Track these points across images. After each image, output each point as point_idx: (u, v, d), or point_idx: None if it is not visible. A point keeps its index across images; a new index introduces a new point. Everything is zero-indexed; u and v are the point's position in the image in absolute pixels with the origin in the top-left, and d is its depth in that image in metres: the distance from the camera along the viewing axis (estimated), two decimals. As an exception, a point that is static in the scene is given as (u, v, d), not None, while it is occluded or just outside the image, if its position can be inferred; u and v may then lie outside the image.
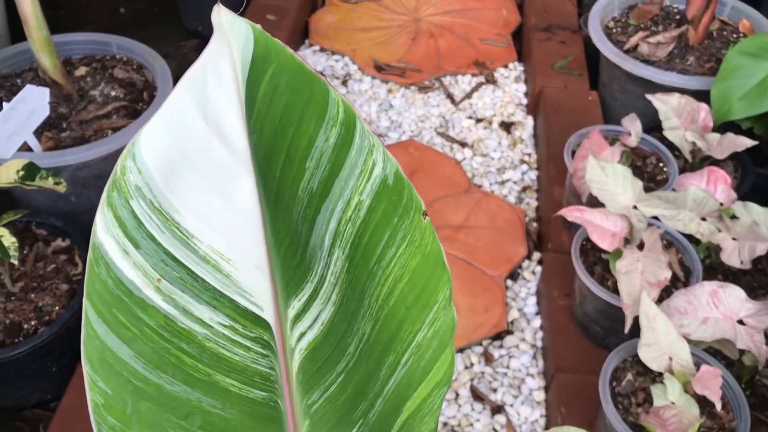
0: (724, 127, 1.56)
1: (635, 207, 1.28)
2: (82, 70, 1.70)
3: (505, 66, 2.15)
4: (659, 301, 1.19)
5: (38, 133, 1.50)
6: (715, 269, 1.36)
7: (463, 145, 1.90)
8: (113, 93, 1.64)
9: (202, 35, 2.26)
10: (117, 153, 1.46)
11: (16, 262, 1.15)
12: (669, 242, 1.34)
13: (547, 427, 1.35)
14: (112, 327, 0.44)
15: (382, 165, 0.48)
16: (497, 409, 1.37)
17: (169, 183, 0.44)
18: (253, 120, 0.44)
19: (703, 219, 1.30)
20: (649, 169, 1.52)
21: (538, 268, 1.61)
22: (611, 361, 1.16)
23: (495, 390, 1.40)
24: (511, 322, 1.51)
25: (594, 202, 1.33)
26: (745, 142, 1.44)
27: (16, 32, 1.78)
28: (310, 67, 0.45)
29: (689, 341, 1.11)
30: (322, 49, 2.20)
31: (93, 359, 0.44)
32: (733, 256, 1.25)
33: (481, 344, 1.47)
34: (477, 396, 1.39)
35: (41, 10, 1.47)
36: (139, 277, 0.45)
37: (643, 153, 1.55)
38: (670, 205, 1.29)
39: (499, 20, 2.30)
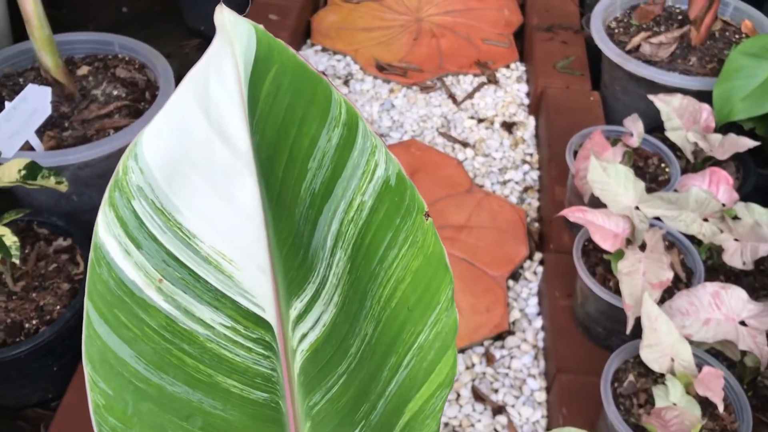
0: (726, 127, 1.55)
1: (637, 208, 1.28)
2: (84, 70, 1.70)
3: (507, 66, 2.15)
4: (661, 302, 1.19)
5: (40, 132, 1.50)
6: (717, 270, 1.36)
7: (464, 145, 1.90)
8: (115, 92, 1.64)
9: (204, 35, 2.26)
10: (119, 152, 1.46)
11: (17, 262, 1.15)
12: (671, 243, 1.34)
13: (548, 428, 1.35)
14: (113, 327, 0.44)
15: (384, 166, 0.48)
16: (498, 409, 1.37)
17: (171, 183, 0.44)
18: (255, 120, 0.44)
19: (705, 220, 1.29)
20: (651, 170, 1.52)
21: (540, 269, 1.61)
22: (613, 362, 1.16)
23: (496, 390, 1.40)
24: (513, 323, 1.51)
25: (596, 203, 1.33)
26: (747, 143, 1.44)
27: (18, 31, 1.78)
28: (313, 67, 0.44)
29: (691, 342, 1.11)
30: (324, 49, 2.20)
31: (94, 360, 0.44)
32: (735, 257, 1.25)
33: (482, 344, 1.47)
34: (478, 396, 1.39)
35: (43, 9, 1.47)
36: (141, 278, 0.44)
37: (645, 153, 1.55)
38: (672, 205, 1.28)
39: (501, 20, 2.30)
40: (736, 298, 1.15)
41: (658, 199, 1.29)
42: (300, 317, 0.49)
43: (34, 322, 1.26)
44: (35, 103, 1.40)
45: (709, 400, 1.06)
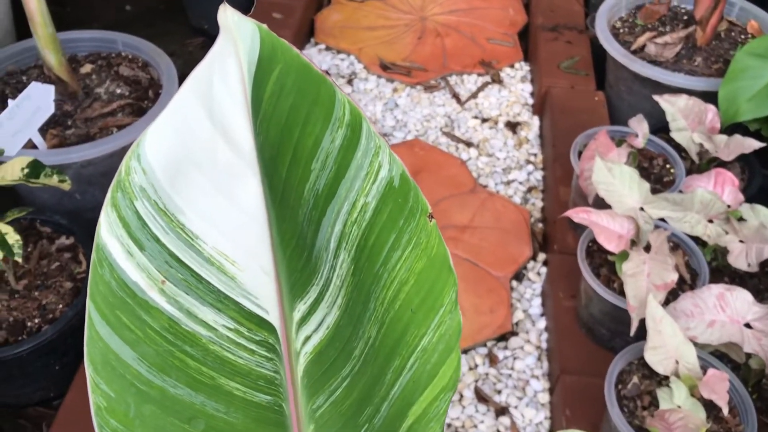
0: (731, 128, 1.55)
1: (642, 209, 1.27)
2: (87, 68, 1.69)
3: (512, 66, 2.14)
4: (665, 303, 1.18)
5: (43, 130, 1.50)
6: (722, 272, 1.36)
7: (468, 144, 1.89)
8: (118, 91, 1.64)
9: (208, 33, 2.26)
10: (122, 151, 1.46)
11: (20, 260, 1.15)
12: (675, 244, 1.33)
13: (551, 430, 1.34)
14: (115, 329, 0.44)
15: (388, 167, 0.47)
16: (501, 410, 1.37)
17: (174, 184, 0.43)
18: (259, 120, 0.44)
19: (710, 221, 1.29)
20: (656, 171, 1.52)
21: (544, 269, 1.60)
22: (617, 363, 1.15)
23: (499, 391, 1.40)
24: (516, 324, 1.51)
25: (600, 203, 1.32)
26: (753, 144, 1.44)
27: (22, 29, 1.78)
28: (317, 67, 0.44)
29: (695, 344, 1.10)
30: (327, 48, 2.20)
31: (96, 361, 0.44)
32: (741, 258, 1.24)
33: (485, 345, 1.47)
34: (481, 397, 1.38)
35: (47, 6, 1.47)
36: (143, 279, 0.44)
37: (650, 154, 1.55)
38: (677, 207, 1.28)
39: (506, 20, 2.29)
40: (741, 300, 1.14)
41: (663, 200, 1.28)
42: (303, 319, 0.49)
43: (36, 320, 1.26)
44: (38, 101, 1.40)
45: (713, 402, 1.06)
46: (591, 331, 1.36)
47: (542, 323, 1.50)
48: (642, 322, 1.14)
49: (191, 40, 2.27)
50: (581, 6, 2.23)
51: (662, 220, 1.31)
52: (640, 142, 1.47)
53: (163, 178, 0.43)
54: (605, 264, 1.33)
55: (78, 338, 1.29)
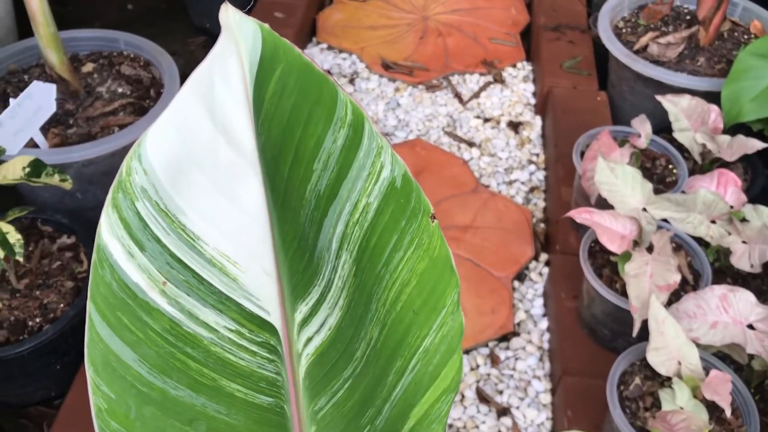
0: (734, 129, 1.54)
1: (645, 209, 1.27)
2: (89, 67, 1.69)
3: (514, 65, 2.14)
4: (668, 304, 1.18)
5: (45, 129, 1.49)
6: (724, 273, 1.35)
7: (470, 144, 1.89)
8: (120, 90, 1.64)
9: (209, 32, 2.26)
10: (123, 150, 1.46)
11: (21, 259, 1.14)
12: (678, 245, 1.33)
13: (553, 430, 1.34)
14: (116, 330, 0.44)
15: (390, 167, 0.47)
16: (503, 411, 1.36)
17: (175, 184, 0.43)
18: (260, 120, 0.43)
19: (713, 222, 1.28)
20: (659, 171, 1.51)
21: (546, 270, 1.60)
22: (619, 364, 1.15)
23: (501, 392, 1.39)
24: (518, 324, 1.50)
25: (603, 204, 1.32)
26: (756, 145, 1.43)
27: (24, 28, 1.78)
28: (319, 67, 0.44)
29: (698, 345, 1.10)
30: (329, 47, 2.19)
31: (96, 363, 0.44)
32: (743, 259, 1.24)
33: (487, 346, 1.47)
34: (483, 398, 1.38)
35: (49, 6, 1.47)
36: (144, 280, 0.44)
37: (653, 154, 1.54)
38: (679, 207, 1.27)
39: (508, 19, 2.29)
40: (744, 302, 1.14)
41: (666, 201, 1.28)
42: (305, 321, 0.49)
43: (37, 320, 1.26)
44: (40, 100, 1.40)
45: (716, 404, 1.06)
46: (593, 332, 1.36)
47: (544, 324, 1.50)
48: (644, 323, 1.14)
49: (193, 39, 2.26)
50: (584, 6, 2.22)
51: (665, 220, 1.31)
52: (642, 143, 1.46)
53: (165, 178, 0.43)
54: (607, 264, 1.33)
55: (79, 338, 1.28)
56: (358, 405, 0.51)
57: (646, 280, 1.19)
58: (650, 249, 1.24)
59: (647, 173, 1.49)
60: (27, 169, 1.17)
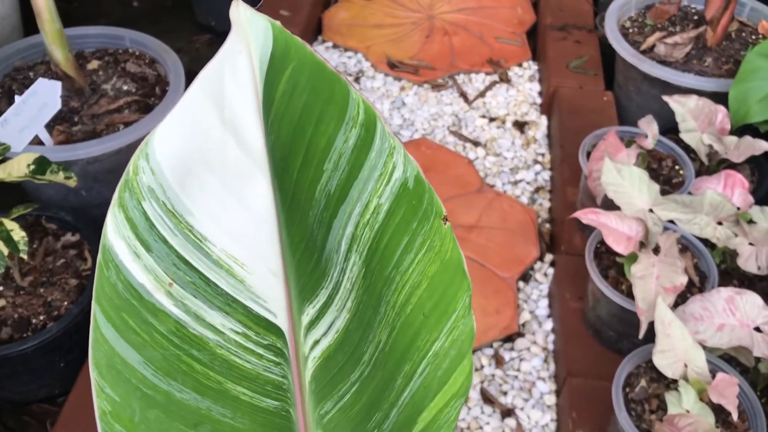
0: (741, 130, 1.53)
1: (651, 210, 1.26)
2: (94, 64, 1.69)
3: (520, 65, 2.13)
4: (674, 306, 1.17)
5: (50, 126, 1.49)
6: (731, 274, 1.34)
7: (475, 144, 1.88)
8: (125, 87, 1.64)
9: (214, 30, 2.25)
10: (128, 147, 1.45)
11: (25, 257, 1.14)
12: (684, 246, 1.32)
13: (557, 432, 1.33)
14: (121, 332, 0.43)
15: (402, 168, 0.46)
16: (507, 412, 1.36)
17: (183, 184, 0.43)
18: (270, 120, 0.43)
19: (720, 223, 1.28)
20: (665, 172, 1.50)
21: (551, 270, 1.59)
22: (625, 366, 1.14)
23: (505, 393, 1.39)
24: (523, 325, 1.50)
25: (608, 204, 1.31)
26: (764, 146, 1.42)
27: (29, 25, 1.78)
28: (331, 66, 0.43)
29: (704, 348, 1.09)
30: (335, 46, 2.19)
31: (101, 365, 0.43)
32: (750, 261, 1.23)
33: (491, 346, 1.46)
34: (487, 399, 1.38)
35: (54, 2, 1.47)
36: (150, 281, 0.43)
37: (659, 155, 1.53)
38: (686, 208, 1.27)
39: (514, 19, 2.28)
40: (750, 304, 1.13)
41: (672, 202, 1.27)
42: (312, 323, 0.48)
43: (41, 317, 1.26)
44: (45, 97, 1.39)
45: (722, 407, 1.05)
46: (598, 333, 1.35)
47: (549, 325, 1.49)
48: (650, 325, 1.13)
49: (198, 37, 2.26)
50: (590, 5, 2.21)
51: (671, 222, 1.30)
52: (649, 143, 1.45)
53: (172, 178, 0.42)
54: (613, 266, 1.32)
55: (83, 335, 1.28)
56: (365, 409, 0.50)
57: (653, 281, 1.18)
58: (656, 250, 1.23)
59: (653, 174, 1.49)
60: (32, 167, 1.16)
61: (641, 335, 1.16)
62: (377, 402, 0.50)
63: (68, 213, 1.40)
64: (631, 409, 1.11)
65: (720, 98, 1.54)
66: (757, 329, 1.12)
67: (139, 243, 0.43)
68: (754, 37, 1.80)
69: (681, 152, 1.51)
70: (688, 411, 1.03)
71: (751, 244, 1.24)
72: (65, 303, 1.28)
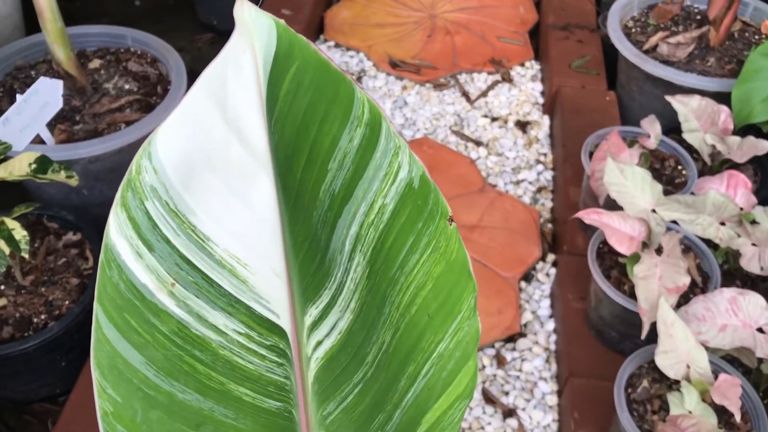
0: (744, 130, 1.53)
1: (654, 210, 1.26)
2: (96, 63, 1.69)
3: (522, 64, 2.13)
4: (676, 306, 1.17)
5: (51, 125, 1.49)
6: (733, 275, 1.34)
7: (477, 143, 1.88)
8: (127, 86, 1.63)
9: (216, 29, 2.25)
10: (130, 146, 1.45)
11: (26, 256, 1.14)
12: (687, 247, 1.32)
13: (559, 433, 1.33)
14: (123, 332, 0.43)
15: (407, 168, 0.46)
16: (509, 412, 1.36)
17: (186, 184, 0.42)
18: (274, 119, 0.42)
19: (722, 224, 1.27)
20: (668, 172, 1.50)
21: (553, 270, 1.59)
22: (627, 367, 1.14)
23: (507, 393, 1.39)
24: (524, 325, 1.49)
25: (611, 205, 1.31)
26: (766, 146, 1.42)
27: (31, 24, 1.78)
28: (335, 64, 0.43)
29: (707, 349, 1.09)
30: (336, 45, 2.19)
31: (103, 365, 0.43)
32: (753, 262, 1.23)
33: (493, 346, 1.46)
34: (488, 399, 1.37)
35: (56, 1, 1.46)
36: (153, 281, 0.43)
37: (662, 155, 1.53)
38: (689, 209, 1.26)
39: (516, 18, 2.27)
40: (753, 305, 1.13)
41: (675, 202, 1.27)
42: (315, 324, 0.48)
43: (42, 316, 1.26)
44: (47, 96, 1.39)
45: (725, 408, 1.04)
46: (600, 334, 1.35)
47: (551, 325, 1.49)
48: (653, 326, 1.13)
49: (200, 36, 2.26)
50: (593, 5, 2.21)
51: (674, 222, 1.30)
52: (652, 143, 1.45)
53: (175, 177, 0.42)
54: (616, 266, 1.32)
55: (84, 335, 1.28)
56: (368, 410, 0.50)
57: (655, 282, 1.18)
58: (659, 251, 1.23)
59: (656, 174, 1.48)
60: (33, 166, 1.16)
61: (643, 336, 1.16)
62: (380, 403, 0.50)
63: (70, 212, 1.40)
64: (633, 410, 1.11)
65: (723, 98, 1.53)
66: (760, 330, 1.11)
67: (142, 243, 0.42)
68: (757, 36, 1.80)
69: (684, 152, 1.50)
70: (690, 412, 1.02)
71: (754, 244, 1.24)
72: (66, 302, 1.28)
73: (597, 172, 1.40)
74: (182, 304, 0.44)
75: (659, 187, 1.27)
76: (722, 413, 1.07)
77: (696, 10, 1.89)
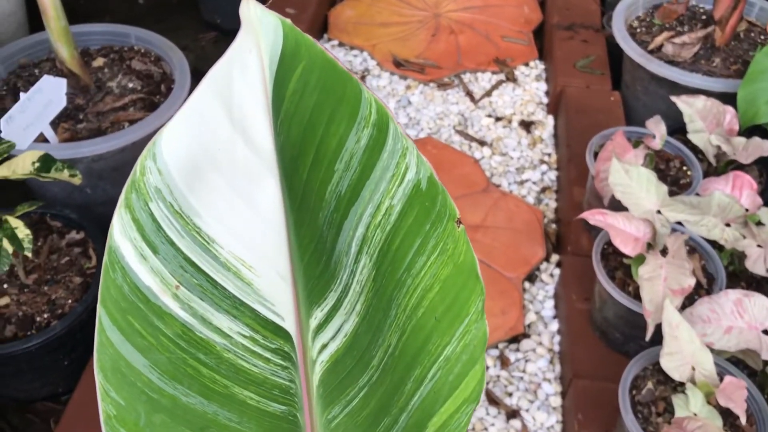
0: (750, 130, 1.52)
1: (659, 211, 1.25)
2: (99, 61, 1.68)
3: (526, 64, 2.12)
4: (681, 308, 1.16)
5: (55, 124, 1.49)
6: (738, 276, 1.34)
7: (481, 143, 1.87)
8: (130, 85, 1.63)
9: (220, 28, 2.25)
10: (133, 145, 1.45)
11: (30, 254, 1.14)
12: (692, 248, 1.31)
13: (563, 434, 1.32)
14: (126, 335, 0.42)
15: (415, 169, 0.46)
16: (512, 413, 1.35)
17: (191, 185, 0.42)
18: (280, 119, 0.42)
19: (728, 225, 1.27)
20: (673, 173, 1.49)
21: (557, 271, 1.58)
22: (632, 368, 1.13)
23: (510, 394, 1.38)
24: (528, 326, 1.49)
25: (616, 205, 1.30)
26: (772, 147, 1.41)
27: (35, 22, 1.77)
28: (342, 64, 0.42)
29: (712, 351, 1.08)
30: (340, 44, 2.18)
31: (106, 368, 0.42)
32: (758, 263, 1.22)
33: (497, 347, 1.45)
34: (492, 400, 1.37)
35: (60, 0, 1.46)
36: (157, 284, 0.43)
37: (667, 156, 1.52)
38: (694, 210, 1.26)
39: (521, 17, 2.27)
40: (759, 306, 1.12)
41: (680, 203, 1.26)
42: (320, 327, 0.47)
43: (45, 315, 1.25)
44: (50, 94, 1.39)
45: (729, 410, 1.04)
46: (604, 335, 1.34)
47: (555, 326, 1.48)
48: (657, 327, 1.13)
49: (204, 35, 2.25)
50: (597, 5, 2.20)
51: (679, 223, 1.29)
52: (657, 144, 1.44)
53: (180, 178, 0.41)
54: (620, 267, 1.31)
55: (87, 334, 1.28)
56: (373, 414, 0.50)
57: (660, 283, 1.17)
58: (664, 252, 1.22)
59: (661, 175, 1.48)
60: (36, 164, 1.16)
61: (648, 337, 1.15)
62: (386, 407, 0.49)
63: (73, 211, 1.40)
64: (637, 412, 1.11)
65: (728, 99, 1.53)
66: (765, 332, 1.11)
67: (146, 245, 0.42)
68: (763, 37, 1.79)
69: (689, 153, 1.50)
70: (695, 414, 1.02)
71: (759, 246, 1.23)
72: (69, 301, 1.27)
73: (602, 172, 1.39)
74: (186, 307, 0.43)
75: (664, 187, 1.27)
76: (727, 416, 1.07)
77: (701, 10, 1.88)
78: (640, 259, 1.21)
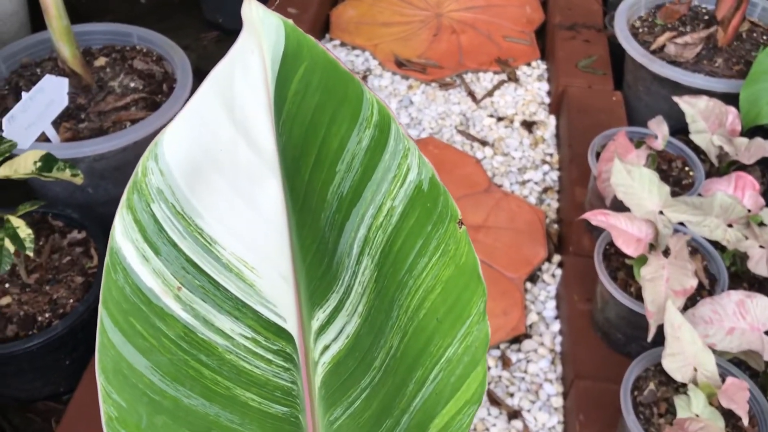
0: (752, 131, 1.52)
1: (661, 212, 1.25)
2: (101, 61, 1.68)
3: (528, 64, 2.12)
4: (683, 309, 1.16)
5: (56, 123, 1.49)
6: (740, 277, 1.33)
7: (483, 143, 1.87)
8: (132, 84, 1.63)
9: (222, 27, 2.25)
10: (135, 145, 1.45)
11: (31, 254, 1.13)
12: (694, 249, 1.31)
13: (565, 435, 1.32)
14: (128, 337, 0.42)
15: (417, 170, 0.45)
16: (514, 414, 1.35)
17: (193, 186, 0.42)
18: (282, 120, 0.42)
19: (730, 225, 1.26)
20: (675, 173, 1.49)
21: (558, 271, 1.58)
22: (633, 369, 1.13)
23: (512, 395, 1.38)
24: (530, 326, 1.49)
25: (618, 206, 1.30)
26: (775, 148, 1.41)
27: (37, 21, 1.77)
28: (344, 65, 0.42)
29: (714, 352, 1.08)
30: (342, 44, 2.18)
31: (107, 370, 0.42)
32: (761, 264, 1.22)
33: (498, 348, 1.45)
34: (493, 400, 1.37)
35: (62, -1, 1.46)
36: (159, 285, 0.42)
37: (669, 156, 1.52)
38: (696, 210, 1.25)
39: (523, 17, 2.27)
40: (761, 307, 1.12)
41: (683, 204, 1.26)
42: (322, 328, 0.47)
43: (47, 315, 1.25)
44: (52, 93, 1.39)
45: (732, 411, 1.04)
46: (606, 336, 1.34)
47: (556, 326, 1.48)
48: (659, 328, 1.12)
49: (206, 34, 2.25)
50: (599, 4, 2.20)
51: (681, 224, 1.29)
52: (659, 144, 1.44)
53: (181, 179, 0.41)
54: (622, 267, 1.31)
55: (88, 333, 1.28)
56: (375, 416, 0.49)
57: (663, 284, 1.17)
58: (666, 253, 1.22)
59: (663, 175, 1.47)
60: (38, 164, 1.16)
61: (650, 338, 1.15)
62: (388, 408, 0.49)
63: (74, 210, 1.40)
64: (639, 413, 1.10)
65: (731, 99, 1.53)
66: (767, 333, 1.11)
67: (148, 246, 0.42)
68: (765, 37, 1.79)
69: (691, 153, 1.50)
70: (697, 415, 1.02)
71: (761, 246, 1.23)
72: (71, 301, 1.27)
73: (604, 172, 1.39)
74: (188, 308, 0.43)
75: (667, 188, 1.27)
76: (729, 417, 1.06)
77: (704, 11, 1.88)
78: (642, 260, 1.20)
